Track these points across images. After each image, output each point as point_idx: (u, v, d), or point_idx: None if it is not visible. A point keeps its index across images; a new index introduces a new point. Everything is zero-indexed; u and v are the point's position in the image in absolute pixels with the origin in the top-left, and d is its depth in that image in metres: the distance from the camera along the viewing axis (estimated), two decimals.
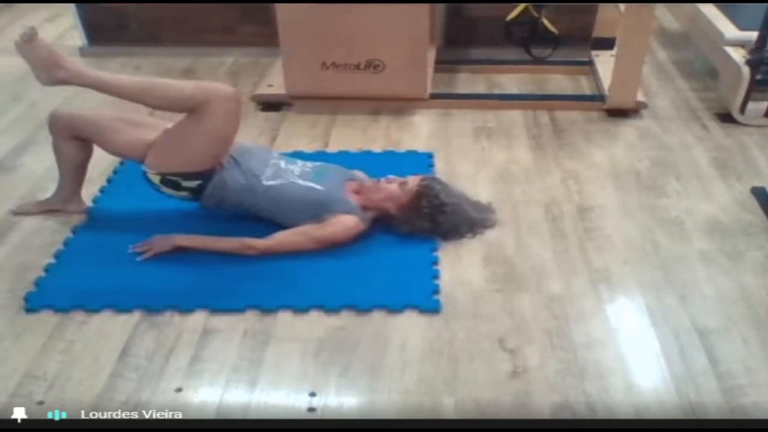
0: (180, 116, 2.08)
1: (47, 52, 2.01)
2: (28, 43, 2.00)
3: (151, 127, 2.16)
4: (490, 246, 2.20)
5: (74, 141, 2.21)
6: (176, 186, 2.11)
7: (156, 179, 2.11)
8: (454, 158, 2.70)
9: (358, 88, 2.99)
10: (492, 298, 1.99)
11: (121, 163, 2.57)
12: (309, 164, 2.26)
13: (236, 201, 2.14)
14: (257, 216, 2.17)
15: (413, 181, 2.21)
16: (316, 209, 2.12)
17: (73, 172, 2.30)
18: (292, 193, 2.13)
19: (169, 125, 2.14)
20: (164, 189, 2.13)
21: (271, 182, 2.14)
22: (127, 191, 2.44)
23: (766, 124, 2.89)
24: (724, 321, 1.91)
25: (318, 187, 2.15)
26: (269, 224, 2.15)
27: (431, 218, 2.16)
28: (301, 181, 2.16)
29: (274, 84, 3.14)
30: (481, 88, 3.29)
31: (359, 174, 2.36)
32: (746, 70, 2.82)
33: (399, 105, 3.05)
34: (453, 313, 1.94)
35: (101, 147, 2.22)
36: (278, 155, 2.27)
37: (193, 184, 2.10)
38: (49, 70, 2.02)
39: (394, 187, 2.20)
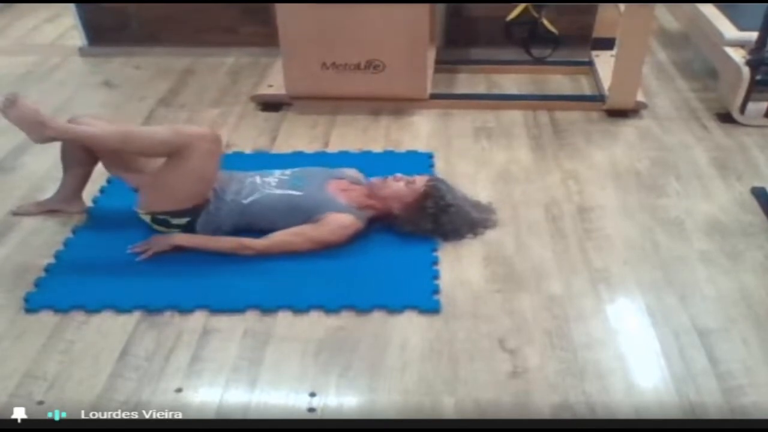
0: None
1: (32, 114, 2.04)
2: (10, 108, 2.03)
3: (146, 163, 2.20)
4: (490, 246, 2.20)
5: (84, 147, 2.22)
6: (166, 224, 2.14)
7: (147, 218, 2.15)
8: (454, 158, 2.70)
9: (358, 88, 2.99)
10: (492, 298, 1.99)
11: None
12: (288, 171, 2.26)
13: (228, 226, 2.16)
14: (255, 230, 2.17)
15: (421, 180, 2.21)
16: (302, 213, 2.13)
17: (79, 175, 2.32)
18: (271, 203, 2.15)
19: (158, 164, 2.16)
20: (156, 227, 2.17)
21: (249, 199, 2.16)
22: (127, 191, 2.42)
23: (766, 124, 2.89)
24: (724, 321, 1.91)
25: (295, 192, 2.16)
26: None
27: (435, 219, 2.16)
28: (278, 191, 2.17)
29: (274, 84, 3.14)
30: (481, 88, 3.28)
31: (350, 172, 2.35)
32: (746, 70, 2.82)
33: (399, 105, 3.05)
34: (453, 313, 1.94)
35: (103, 164, 2.28)
36: (254, 173, 2.27)
37: (182, 221, 2.13)
38: (38, 130, 2.04)
39: (401, 185, 2.20)
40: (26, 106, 2.04)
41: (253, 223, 2.16)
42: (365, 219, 2.19)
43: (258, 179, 2.22)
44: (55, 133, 2.06)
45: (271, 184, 2.20)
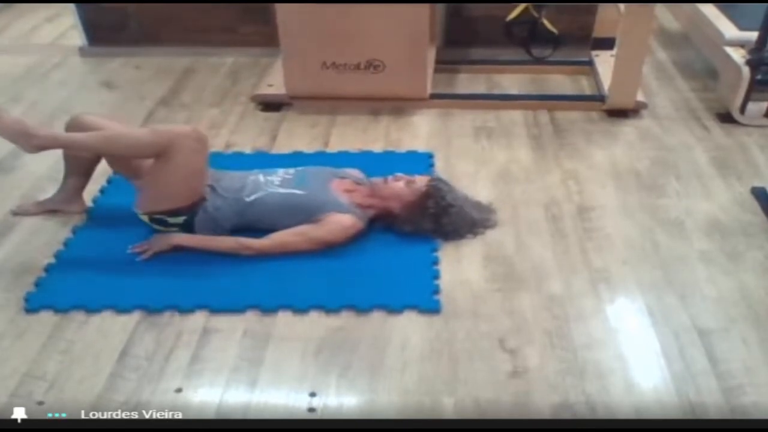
0: None
1: (16, 126, 2.04)
2: None
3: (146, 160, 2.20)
4: (490, 246, 2.20)
5: None
6: (164, 223, 2.15)
7: (145, 218, 2.16)
8: (454, 158, 2.70)
9: (358, 88, 2.99)
10: (492, 298, 1.99)
11: None
12: (291, 171, 2.26)
13: (228, 224, 2.16)
14: (256, 230, 2.17)
15: (421, 180, 2.21)
16: (304, 213, 2.12)
17: (80, 175, 2.32)
18: (274, 202, 2.14)
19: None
20: (155, 227, 2.17)
21: (252, 197, 2.15)
22: (127, 191, 2.43)
23: (766, 124, 2.89)
24: (724, 321, 1.91)
25: (299, 192, 2.16)
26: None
27: (435, 219, 2.16)
28: (282, 190, 2.17)
29: (274, 84, 3.14)
30: (481, 88, 3.28)
31: (352, 172, 2.36)
32: (746, 70, 2.82)
33: (399, 105, 3.05)
34: (453, 313, 1.94)
35: (107, 161, 2.28)
36: (257, 171, 2.27)
37: (179, 219, 2.13)
38: (25, 140, 2.04)
39: (401, 185, 2.20)
40: (10, 119, 2.05)
41: (255, 221, 2.16)
42: (366, 219, 2.19)
43: (261, 177, 2.22)
44: (42, 142, 2.05)
45: (274, 183, 2.20)
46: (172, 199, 2.10)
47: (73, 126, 2.21)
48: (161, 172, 2.08)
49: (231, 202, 2.15)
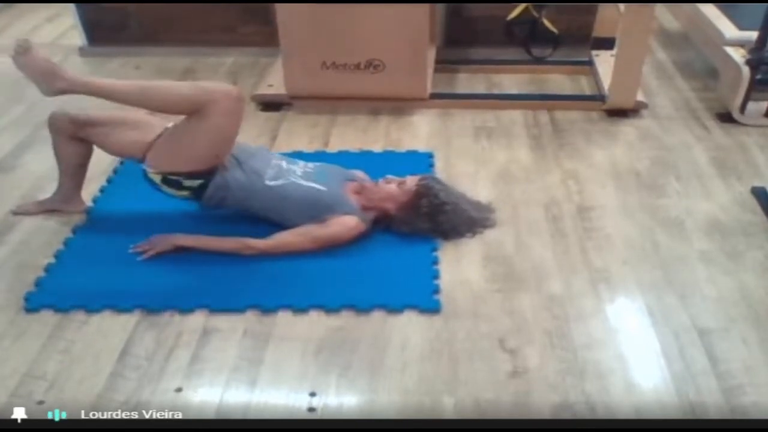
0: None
1: (44, 63, 2.01)
2: (23, 56, 1.99)
3: (150, 126, 2.16)
4: (490, 246, 2.20)
5: (74, 141, 2.21)
6: (177, 185, 2.11)
7: (157, 178, 2.11)
8: (454, 158, 2.70)
9: (358, 88, 2.99)
10: (492, 298, 1.99)
11: (121, 163, 2.57)
12: (310, 165, 2.26)
13: (237, 201, 2.14)
14: (257, 216, 2.17)
15: (412, 180, 2.21)
16: (318, 210, 2.12)
17: (73, 173, 2.30)
18: (294, 193, 2.13)
19: (170, 124, 2.13)
20: (165, 188, 2.13)
21: (273, 182, 2.13)
22: (127, 191, 2.44)
23: (766, 124, 2.89)
24: (724, 321, 1.91)
25: (320, 187, 2.15)
26: (269, 224, 2.15)
27: (431, 218, 2.16)
28: (303, 182, 2.16)
29: (274, 84, 3.14)
30: (481, 88, 3.28)
31: (359, 174, 2.36)
32: (746, 70, 2.82)
33: (399, 105, 3.05)
34: (453, 313, 1.94)
35: (100, 147, 2.22)
36: (280, 156, 2.27)
37: (195, 183, 2.10)
38: (49, 81, 2.01)
39: (392, 187, 2.20)
40: (40, 55, 2.00)
41: (262, 208, 2.14)
42: (369, 221, 2.19)
43: (284, 164, 2.20)
44: (67, 85, 2.01)
45: (296, 173, 2.18)
46: (195, 161, 2.05)
47: (60, 121, 2.19)
48: (192, 129, 2.02)
49: (251, 178, 2.11)
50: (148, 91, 2.06)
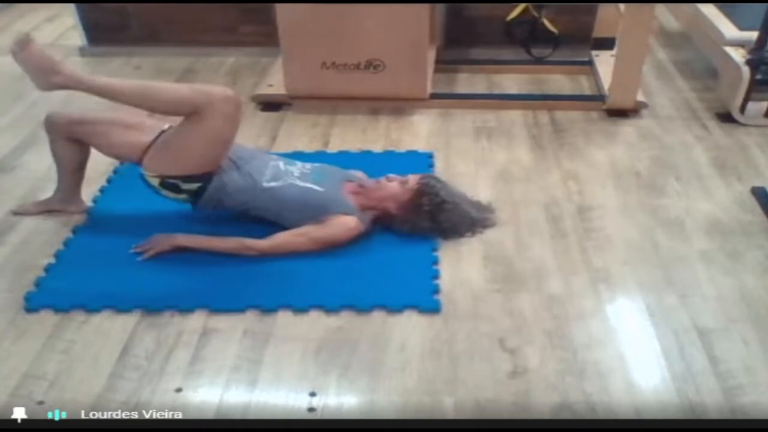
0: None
1: (43, 58, 2.00)
2: (22, 50, 1.98)
3: (147, 128, 2.16)
4: (490, 246, 2.20)
5: (72, 142, 2.21)
6: (175, 188, 2.11)
7: (155, 182, 2.11)
8: (454, 158, 2.70)
9: (358, 88, 2.99)
10: (492, 298, 1.99)
11: (121, 163, 2.57)
12: (308, 165, 2.26)
13: (235, 203, 2.14)
14: (255, 217, 2.17)
15: (413, 179, 2.21)
16: (316, 210, 2.12)
17: (72, 173, 2.30)
18: (291, 194, 2.13)
19: (166, 126, 2.14)
20: (163, 191, 2.13)
21: (271, 184, 2.13)
22: (127, 191, 2.44)
23: (766, 124, 2.89)
24: (724, 321, 1.91)
25: (317, 188, 2.15)
26: (269, 225, 2.15)
27: (431, 216, 2.16)
28: (300, 183, 2.16)
29: (274, 84, 3.14)
30: (481, 88, 3.29)
31: (358, 174, 2.36)
32: (746, 70, 2.83)
33: (399, 105, 3.05)
34: (453, 313, 1.94)
35: (97, 149, 2.22)
36: (277, 157, 2.27)
37: (193, 186, 2.10)
38: (46, 76, 2.00)
39: (394, 186, 2.20)
40: (39, 49, 2.00)
41: (259, 209, 2.14)
42: (368, 222, 2.19)
43: (282, 165, 2.20)
44: (63, 80, 2.00)
45: (294, 174, 2.18)
46: (192, 164, 2.05)
47: (57, 123, 2.19)
48: (189, 132, 2.02)
49: (248, 180, 2.11)
50: (146, 91, 2.05)
